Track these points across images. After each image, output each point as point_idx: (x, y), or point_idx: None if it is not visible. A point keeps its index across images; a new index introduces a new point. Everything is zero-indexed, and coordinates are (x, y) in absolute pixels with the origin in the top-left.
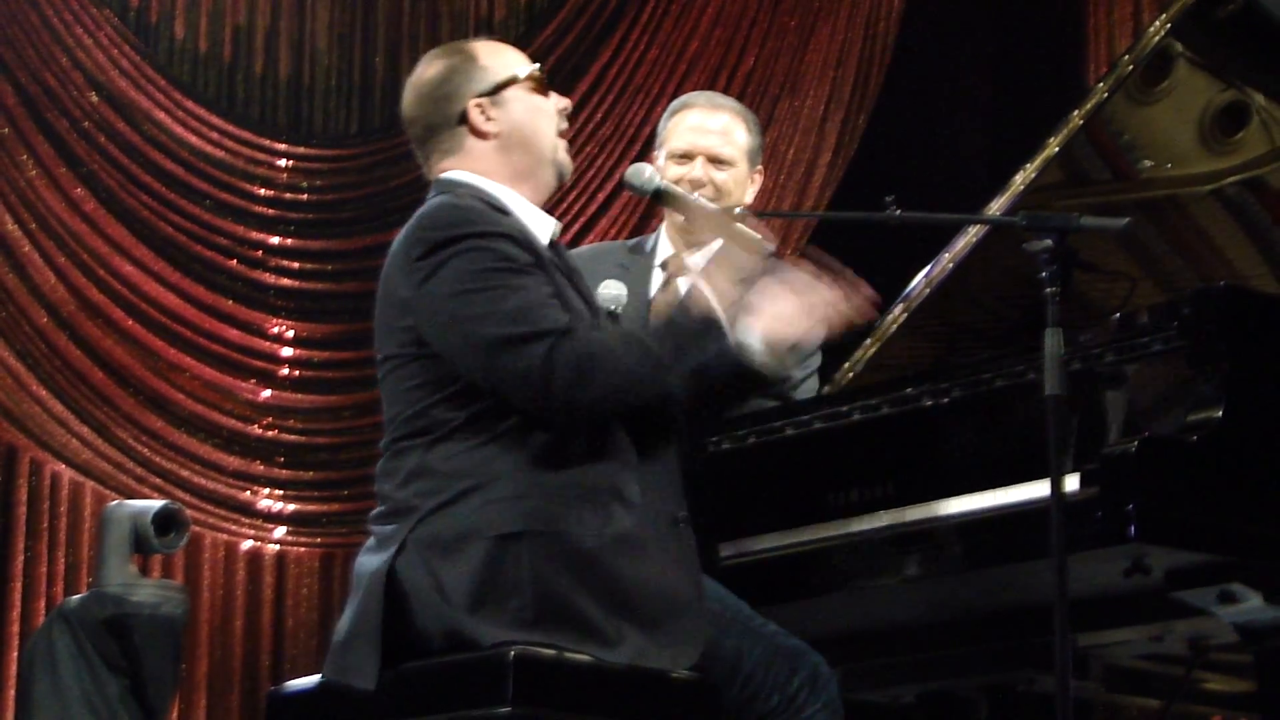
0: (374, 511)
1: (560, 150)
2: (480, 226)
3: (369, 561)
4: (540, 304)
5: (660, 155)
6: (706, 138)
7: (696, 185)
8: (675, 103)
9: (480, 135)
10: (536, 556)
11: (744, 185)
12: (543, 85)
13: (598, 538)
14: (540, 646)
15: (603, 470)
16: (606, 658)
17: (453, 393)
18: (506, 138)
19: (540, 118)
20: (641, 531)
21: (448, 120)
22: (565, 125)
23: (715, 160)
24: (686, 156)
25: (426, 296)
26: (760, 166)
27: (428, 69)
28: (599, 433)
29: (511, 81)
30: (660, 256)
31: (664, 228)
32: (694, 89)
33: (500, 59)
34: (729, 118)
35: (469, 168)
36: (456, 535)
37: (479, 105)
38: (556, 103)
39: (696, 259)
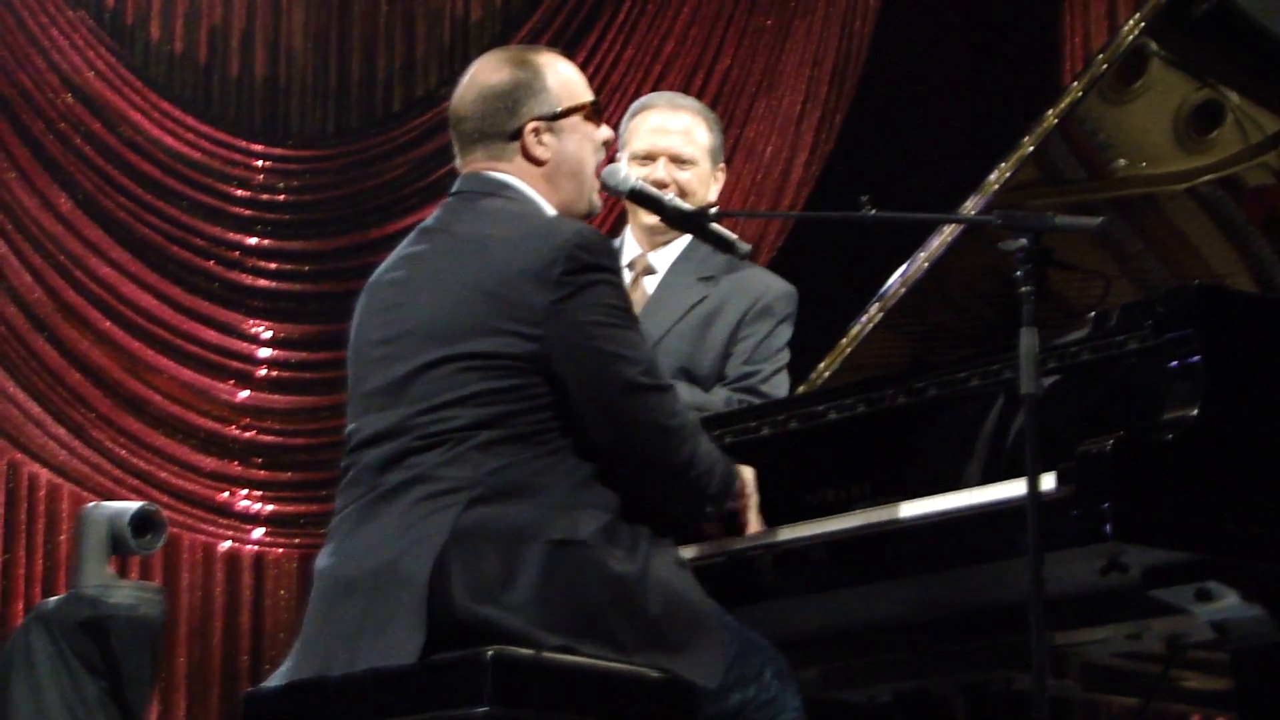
0: (387, 490)
1: (596, 187)
2: (618, 264)
3: (397, 539)
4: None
5: (622, 157)
6: (668, 138)
7: (660, 186)
8: (635, 104)
9: (530, 158)
10: (585, 567)
11: (707, 184)
12: (598, 115)
13: (635, 563)
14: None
15: (634, 507)
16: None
17: (532, 406)
18: (555, 167)
19: (588, 151)
20: (667, 564)
21: (501, 132)
22: (603, 157)
23: (678, 160)
24: (649, 158)
25: (564, 314)
26: (722, 164)
27: (492, 73)
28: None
29: (572, 110)
30: (627, 257)
31: (628, 229)
32: (670, 89)
33: (565, 83)
34: (690, 118)
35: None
36: (508, 532)
37: (535, 129)
38: (603, 134)
39: (662, 259)
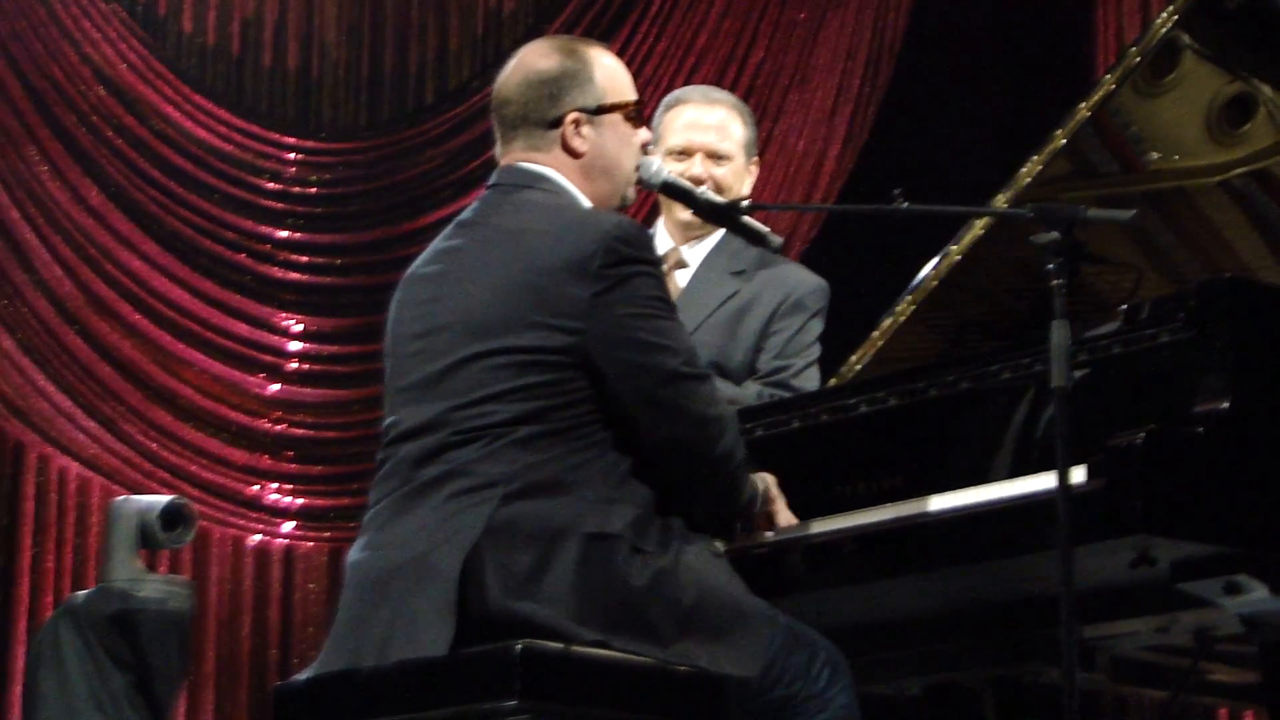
0: (422, 484)
1: (631, 186)
2: (656, 254)
3: (430, 533)
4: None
5: (656, 151)
6: (704, 134)
7: (696, 181)
8: (669, 98)
9: (568, 149)
10: (618, 560)
11: (742, 178)
12: (639, 117)
13: (668, 556)
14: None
15: (669, 503)
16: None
17: (571, 400)
18: (591, 161)
19: (626, 151)
20: (701, 556)
21: (542, 119)
22: (640, 159)
23: (714, 156)
24: (685, 153)
25: (605, 307)
26: (756, 158)
27: (540, 59)
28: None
29: (615, 107)
30: (660, 251)
31: (661, 222)
32: (703, 82)
33: (611, 79)
34: (725, 112)
35: (556, 171)
36: (542, 527)
37: (576, 120)
38: (642, 135)
39: (695, 253)
